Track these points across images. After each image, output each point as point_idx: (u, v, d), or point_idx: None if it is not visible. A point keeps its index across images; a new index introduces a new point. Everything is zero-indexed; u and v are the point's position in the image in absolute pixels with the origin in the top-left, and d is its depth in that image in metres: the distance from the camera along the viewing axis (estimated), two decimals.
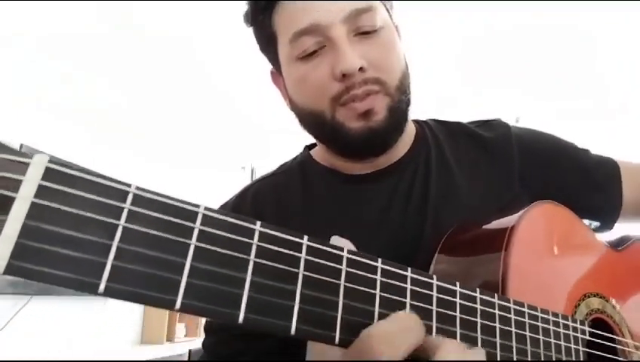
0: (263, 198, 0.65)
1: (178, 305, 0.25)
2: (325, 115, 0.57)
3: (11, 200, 0.20)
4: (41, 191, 0.21)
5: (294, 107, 0.63)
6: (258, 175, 4.34)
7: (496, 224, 0.53)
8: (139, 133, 3.04)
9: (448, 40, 2.39)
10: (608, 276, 0.59)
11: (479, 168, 0.65)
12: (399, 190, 0.62)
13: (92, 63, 2.50)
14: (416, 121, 0.70)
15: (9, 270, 0.20)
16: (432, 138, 0.68)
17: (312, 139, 0.68)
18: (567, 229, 0.58)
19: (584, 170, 0.67)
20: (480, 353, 0.35)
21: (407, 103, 0.60)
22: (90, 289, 0.22)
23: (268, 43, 0.62)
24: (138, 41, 2.37)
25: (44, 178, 0.21)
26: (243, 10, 0.63)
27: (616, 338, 0.55)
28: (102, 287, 0.22)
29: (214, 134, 3.53)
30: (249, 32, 0.65)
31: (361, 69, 0.53)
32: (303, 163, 0.69)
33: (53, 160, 0.22)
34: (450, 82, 2.81)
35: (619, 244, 0.64)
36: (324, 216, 0.62)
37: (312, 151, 0.70)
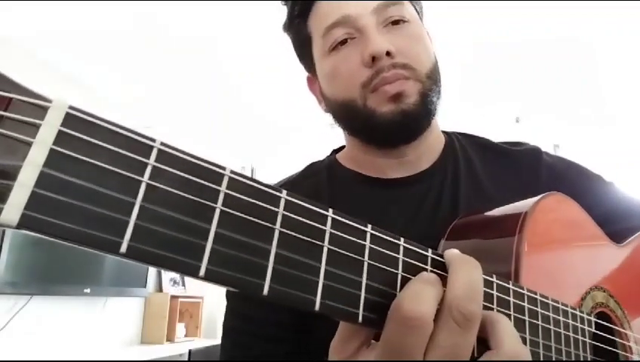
0: None
1: (202, 271, 0.23)
2: (357, 102, 0.57)
3: (27, 145, 0.18)
4: (60, 138, 0.19)
5: (328, 104, 0.64)
6: (258, 175, 4.33)
7: (507, 210, 0.52)
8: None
9: (450, 44, 2.38)
10: (611, 271, 0.59)
11: (506, 181, 0.65)
12: (428, 198, 0.62)
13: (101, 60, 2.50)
14: (444, 132, 0.70)
15: (23, 222, 0.18)
16: (461, 149, 0.68)
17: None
18: (575, 221, 0.58)
19: (608, 202, 0.67)
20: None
21: (438, 94, 0.60)
22: (111, 248, 0.20)
23: (303, 46, 0.64)
24: (135, 40, 2.36)
25: (64, 124, 0.19)
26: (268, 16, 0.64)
27: (620, 330, 0.55)
28: (124, 247, 0.20)
29: (214, 134, 3.52)
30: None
31: (388, 53, 0.55)
32: (330, 167, 0.69)
33: (73, 106, 0.20)
34: (449, 85, 2.80)
35: (620, 240, 0.64)
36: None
37: (338, 156, 0.71)
